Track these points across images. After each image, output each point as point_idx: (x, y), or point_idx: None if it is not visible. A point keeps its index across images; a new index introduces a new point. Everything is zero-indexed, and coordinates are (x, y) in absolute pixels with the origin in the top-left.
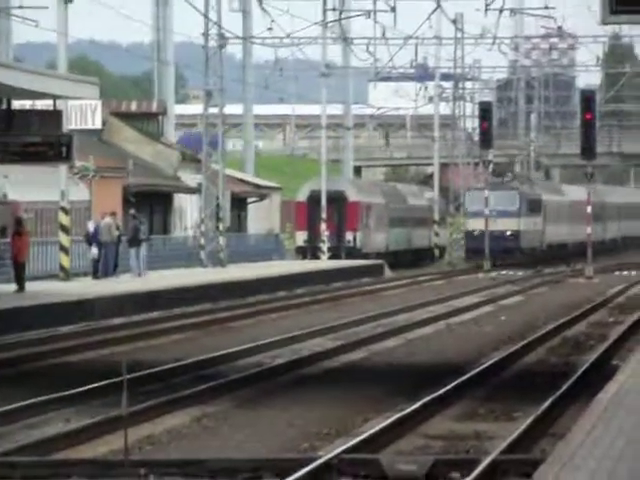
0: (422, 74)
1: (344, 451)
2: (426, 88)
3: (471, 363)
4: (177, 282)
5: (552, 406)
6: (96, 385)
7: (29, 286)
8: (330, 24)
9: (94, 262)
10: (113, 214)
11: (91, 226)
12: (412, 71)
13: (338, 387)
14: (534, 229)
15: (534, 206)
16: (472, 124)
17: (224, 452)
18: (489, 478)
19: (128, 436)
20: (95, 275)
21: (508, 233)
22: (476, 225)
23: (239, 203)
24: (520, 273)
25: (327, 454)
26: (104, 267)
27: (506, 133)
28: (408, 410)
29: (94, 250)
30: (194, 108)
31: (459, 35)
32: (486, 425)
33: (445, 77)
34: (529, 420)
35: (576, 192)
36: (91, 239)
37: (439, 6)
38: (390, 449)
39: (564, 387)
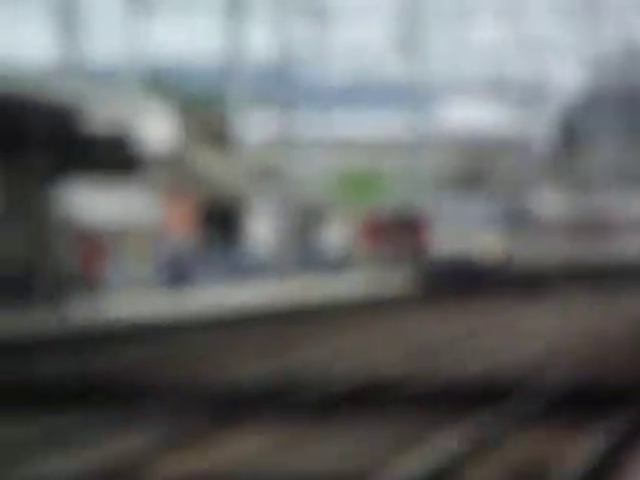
0: None
1: None
2: None
3: None
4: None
5: None
6: None
7: None
8: None
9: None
10: (184, 231)
11: (161, 245)
12: None
13: None
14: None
15: (523, 219)
16: None
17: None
18: None
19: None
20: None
21: (491, 257)
22: (448, 244)
23: None
24: None
25: None
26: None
27: None
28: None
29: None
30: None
31: None
32: None
33: None
34: None
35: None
36: (162, 256)
37: None
38: None
39: None
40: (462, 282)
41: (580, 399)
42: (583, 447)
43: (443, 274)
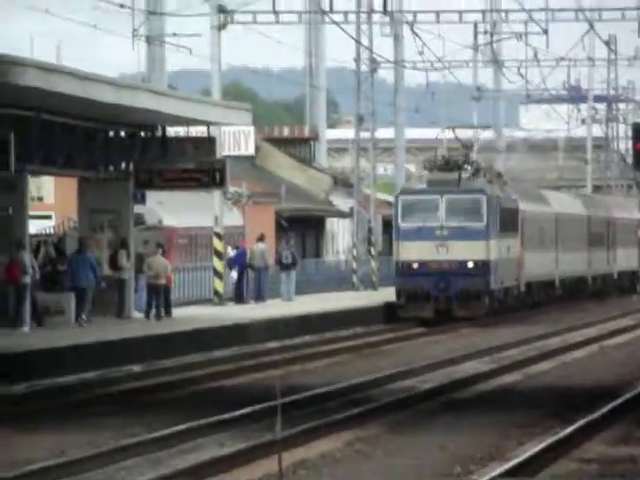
0: (575, 96)
1: (499, 475)
2: (579, 110)
3: (626, 386)
4: (329, 306)
5: None
6: (250, 409)
7: (182, 311)
8: (481, 47)
9: (235, 287)
10: (261, 239)
11: (231, 251)
12: (564, 93)
13: (491, 411)
14: (508, 258)
15: (509, 221)
16: (626, 145)
17: (377, 477)
18: None
19: (282, 460)
20: (237, 300)
21: (470, 265)
22: (413, 253)
23: (390, 227)
24: None
25: (482, 478)
26: (256, 292)
27: None
28: (562, 434)
29: (234, 274)
30: (346, 133)
31: (612, 56)
32: None
33: (598, 99)
34: None
35: (565, 202)
36: (232, 264)
37: (592, 27)
38: (545, 473)
39: None
40: (436, 292)
41: None
42: None
43: (416, 283)
